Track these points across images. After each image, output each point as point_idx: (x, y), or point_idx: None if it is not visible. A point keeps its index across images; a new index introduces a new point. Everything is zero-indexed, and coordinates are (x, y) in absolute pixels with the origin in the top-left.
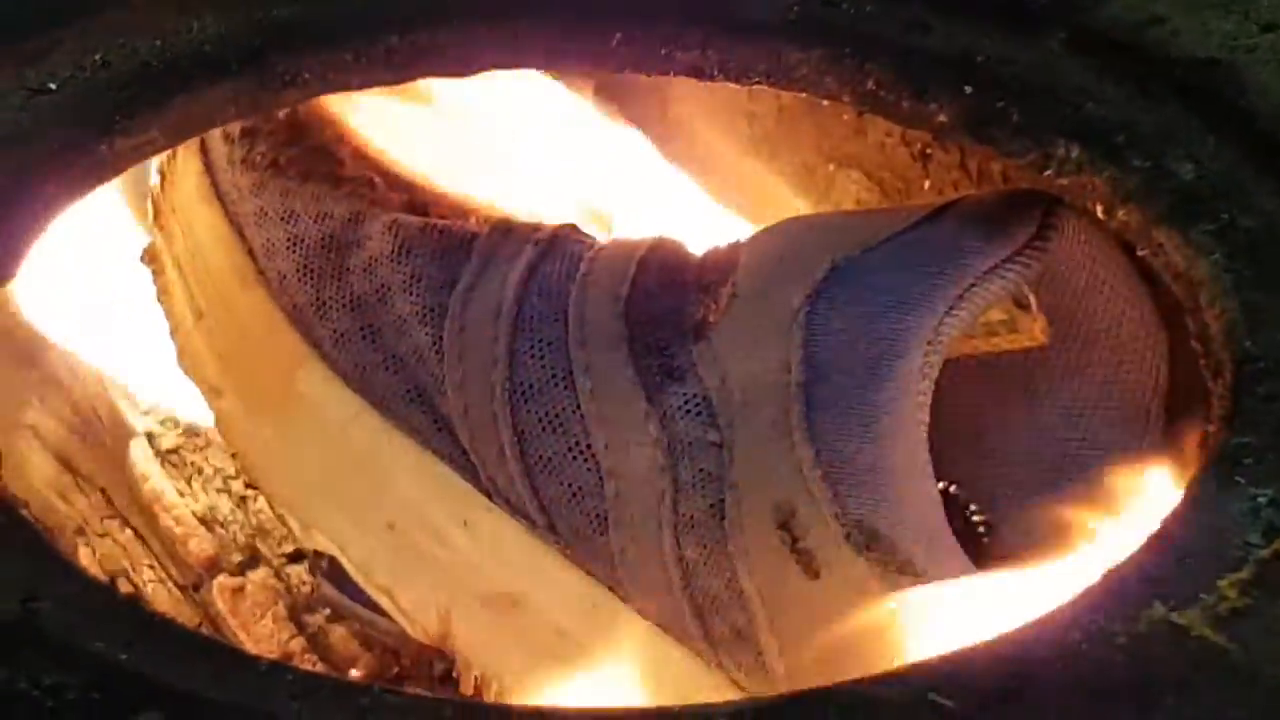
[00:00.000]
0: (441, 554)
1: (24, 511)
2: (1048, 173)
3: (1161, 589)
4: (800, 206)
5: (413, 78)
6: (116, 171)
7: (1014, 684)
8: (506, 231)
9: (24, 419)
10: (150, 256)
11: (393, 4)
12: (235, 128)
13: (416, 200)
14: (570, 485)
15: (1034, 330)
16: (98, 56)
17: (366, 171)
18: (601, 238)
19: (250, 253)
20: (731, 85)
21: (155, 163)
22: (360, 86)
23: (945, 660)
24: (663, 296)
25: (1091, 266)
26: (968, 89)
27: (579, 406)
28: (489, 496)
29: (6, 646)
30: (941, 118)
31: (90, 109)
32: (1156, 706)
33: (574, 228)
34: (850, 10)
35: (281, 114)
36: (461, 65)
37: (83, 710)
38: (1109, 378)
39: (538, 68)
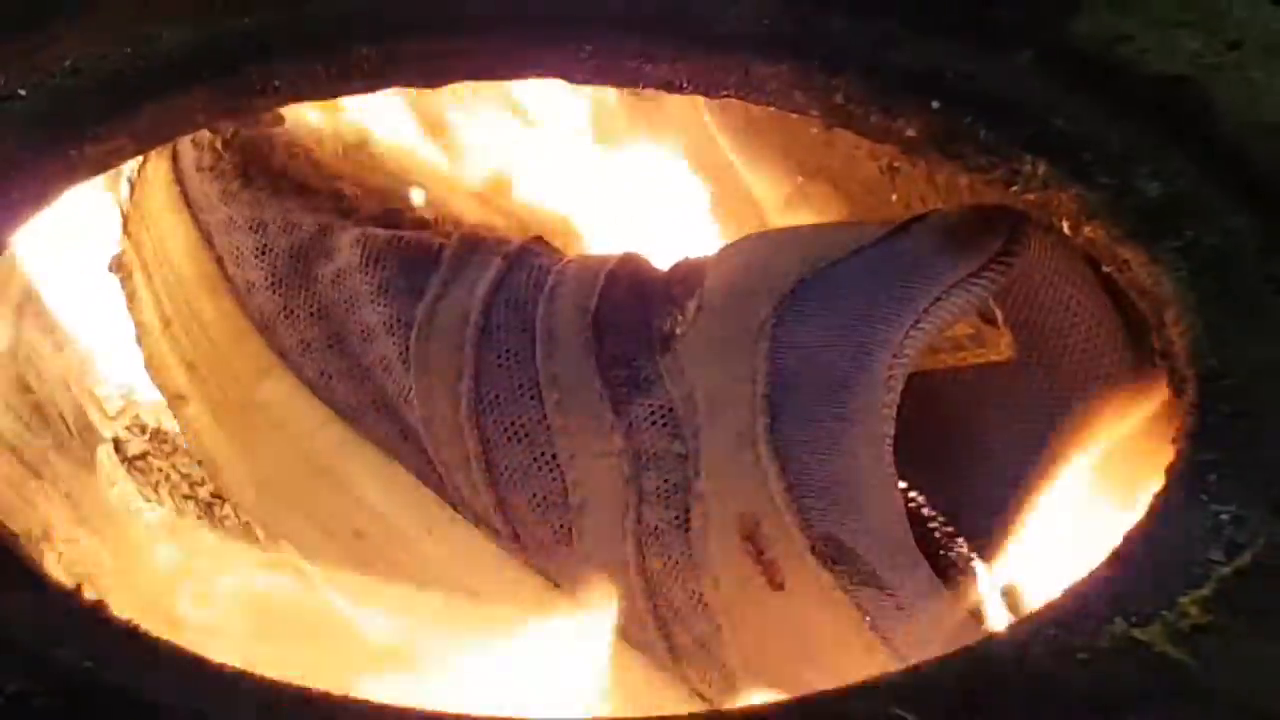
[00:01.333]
0: (407, 562)
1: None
2: (1014, 189)
3: (1123, 604)
4: (768, 219)
5: (383, 88)
6: (85, 177)
7: (976, 698)
8: (475, 244)
9: None
10: (118, 264)
11: (364, 15)
12: (205, 136)
13: (386, 211)
14: (535, 496)
15: (1000, 345)
16: (68, 63)
17: (335, 183)
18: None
19: (218, 261)
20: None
21: (125, 171)
22: (331, 96)
23: (908, 673)
24: (630, 309)
25: (1058, 282)
26: (935, 104)
27: (545, 417)
28: (454, 506)
29: None
30: (909, 133)
31: (60, 115)
32: None
33: (542, 241)
34: (819, 25)
35: (250, 121)
36: (431, 76)
37: (47, 718)
38: (1075, 392)
39: (507, 79)
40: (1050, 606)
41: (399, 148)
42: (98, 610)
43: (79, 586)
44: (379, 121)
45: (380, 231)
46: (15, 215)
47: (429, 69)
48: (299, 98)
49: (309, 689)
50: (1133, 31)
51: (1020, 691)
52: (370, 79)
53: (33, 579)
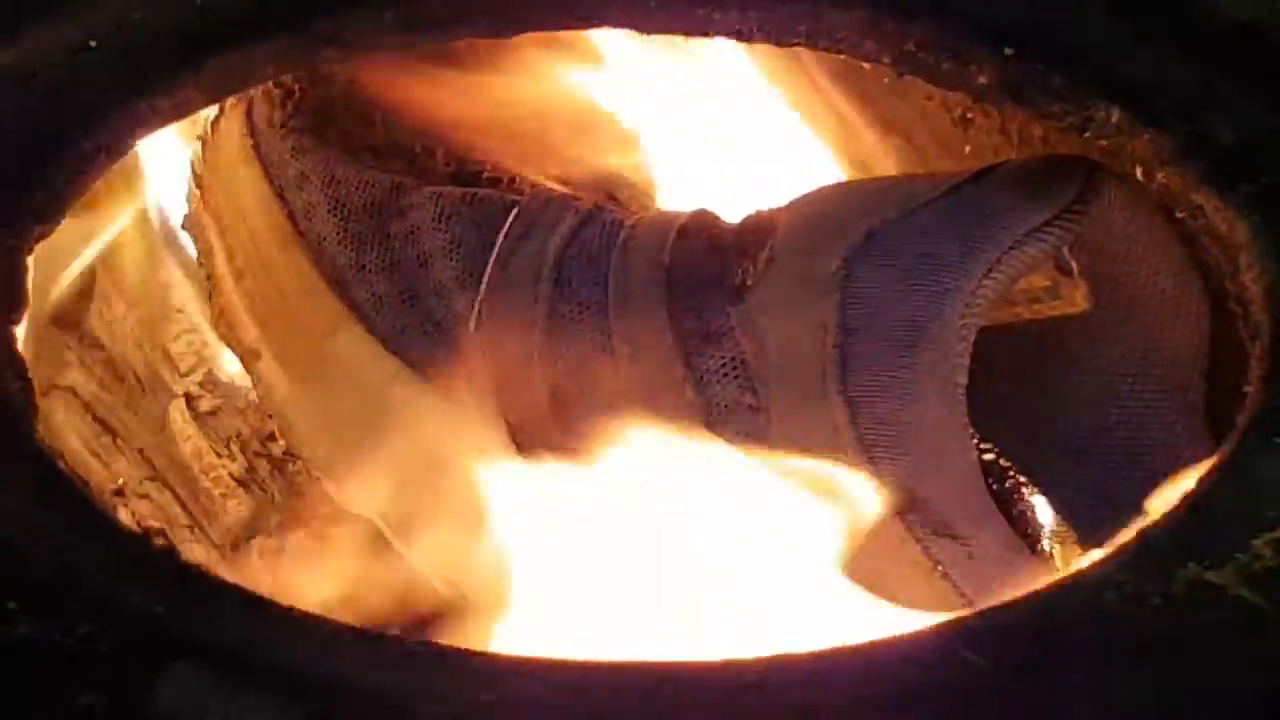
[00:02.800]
0: (481, 514)
1: (61, 464)
2: (1087, 135)
3: (1196, 548)
4: (840, 173)
5: (451, 39)
6: (154, 128)
7: (1045, 642)
8: (547, 201)
9: (63, 380)
10: (191, 220)
11: None
12: (278, 92)
13: (461, 171)
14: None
15: (1075, 297)
16: (137, 14)
17: (409, 141)
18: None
19: (290, 215)
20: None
21: (199, 127)
22: (398, 47)
23: (976, 616)
24: (702, 262)
25: (1132, 232)
26: (1007, 51)
27: (617, 370)
28: (528, 460)
29: (43, 598)
30: (981, 80)
31: (129, 67)
32: (1191, 665)
33: (614, 199)
34: None
35: (324, 79)
36: (501, 27)
37: (117, 660)
38: (1149, 344)
39: (577, 28)
40: (1122, 550)
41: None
42: (167, 556)
43: (148, 533)
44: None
45: (453, 189)
46: (86, 166)
47: (498, 19)
48: (367, 49)
49: (376, 630)
50: None
51: (1091, 636)
52: (437, 30)
53: (104, 526)
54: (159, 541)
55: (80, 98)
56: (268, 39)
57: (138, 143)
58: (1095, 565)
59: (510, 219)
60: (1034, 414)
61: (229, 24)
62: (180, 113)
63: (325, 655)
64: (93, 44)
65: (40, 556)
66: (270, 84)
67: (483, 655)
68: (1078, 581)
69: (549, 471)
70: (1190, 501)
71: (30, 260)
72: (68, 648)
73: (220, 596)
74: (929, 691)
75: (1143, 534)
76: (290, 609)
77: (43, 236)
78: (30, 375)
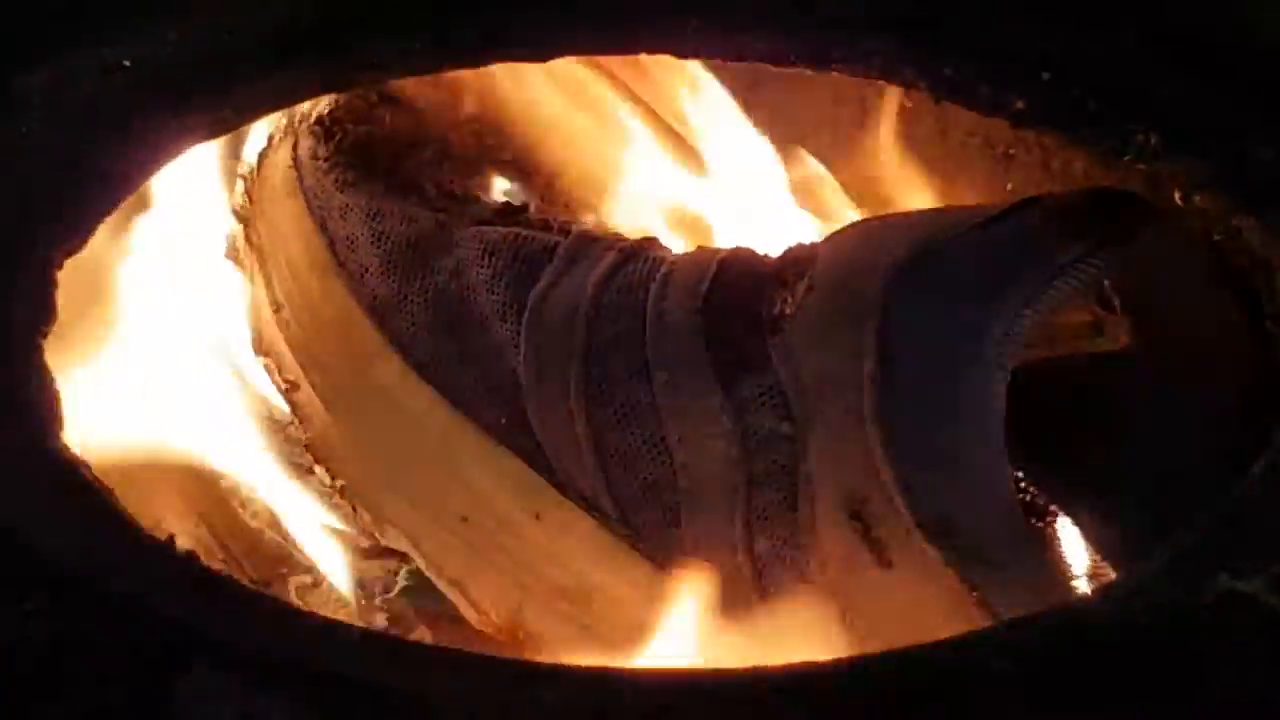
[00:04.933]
0: (514, 547)
1: (85, 472)
2: (1125, 159)
3: (1227, 559)
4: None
5: (484, 63)
6: (185, 148)
7: (1074, 652)
8: (591, 239)
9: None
10: (233, 248)
11: None
12: (324, 126)
13: (503, 210)
14: (644, 478)
15: (1118, 334)
16: (170, 36)
17: (455, 180)
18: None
19: (330, 246)
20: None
21: (247, 155)
22: (433, 71)
23: (1008, 627)
24: (741, 293)
25: (1174, 267)
26: (1045, 76)
27: (654, 400)
28: (561, 490)
29: (65, 599)
30: (1019, 105)
31: (162, 87)
32: (1220, 674)
33: (656, 240)
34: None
35: (369, 115)
36: (535, 51)
37: (136, 661)
38: (1192, 381)
39: (614, 53)
40: (1152, 559)
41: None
42: (188, 562)
43: (171, 539)
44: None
45: (498, 228)
46: (117, 185)
47: (534, 44)
48: (400, 73)
49: (395, 636)
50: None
51: (1121, 647)
52: (472, 55)
53: (126, 532)
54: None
55: (113, 117)
56: (300, 61)
57: (169, 162)
58: (1126, 574)
59: (555, 256)
60: (1073, 449)
61: (261, 46)
62: (213, 132)
63: (342, 657)
64: (126, 64)
65: (63, 560)
66: (316, 118)
67: (498, 659)
68: (1108, 591)
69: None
70: (1222, 512)
71: (59, 275)
72: (89, 648)
73: (238, 601)
74: (959, 699)
75: (1173, 543)
76: (307, 613)
77: (73, 252)
78: (56, 387)
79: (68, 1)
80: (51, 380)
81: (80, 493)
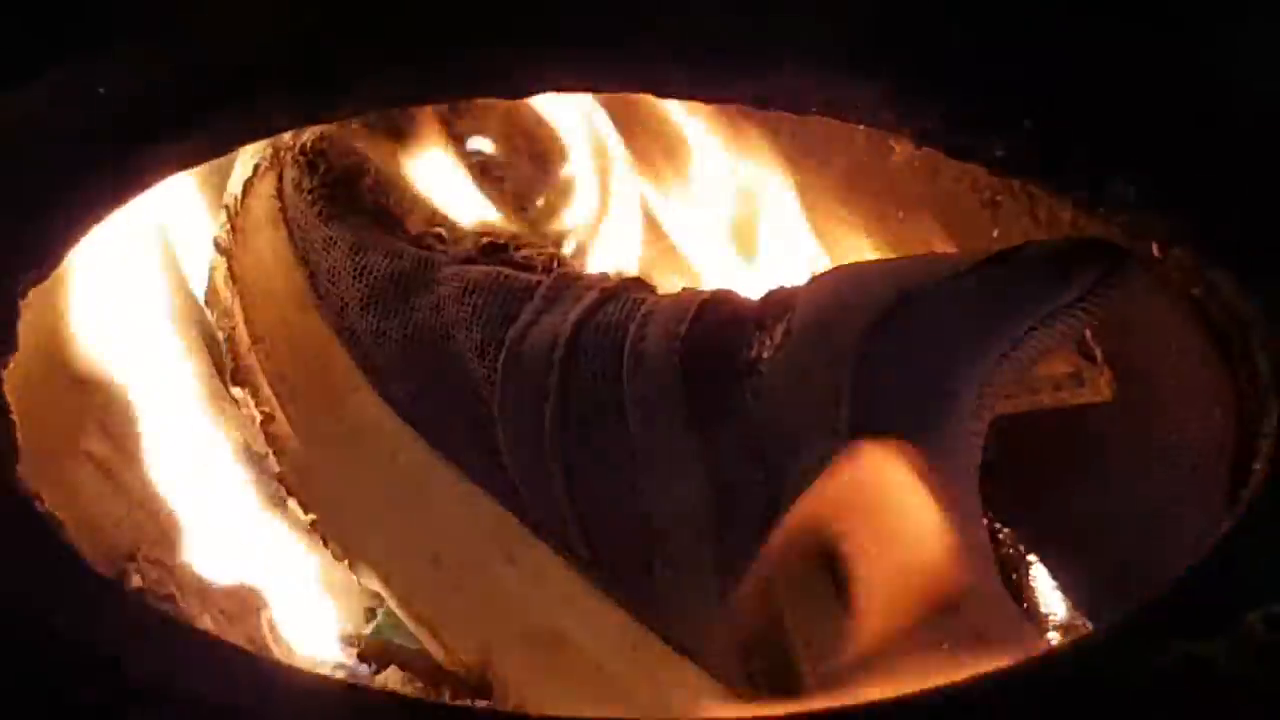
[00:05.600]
0: (485, 588)
1: (37, 504)
2: (1103, 210)
3: (1188, 621)
4: (869, 252)
5: (464, 97)
6: (162, 176)
7: (1038, 710)
8: (574, 278)
9: (82, 445)
10: (211, 283)
11: (448, 22)
12: (309, 157)
13: (486, 248)
14: (617, 521)
15: (1100, 384)
16: (147, 62)
17: (439, 216)
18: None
19: (311, 278)
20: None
21: (232, 184)
22: (412, 104)
23: (969, 684)
24: (720, 335)
25: (1156, 319)
26: (1026, 123)
27: (629, 441)
28: (535, 531)
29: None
30: (999, 152)
31: (136, 114)
32: None
33: (640, 280)
34: (909, 45)
35: (354, 148)
36: (516, 86)
37: (80, 704)
38: (1173, 432)
39: (594, 91)
40: (1115, 621)
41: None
42: (137, 599)
43: (121, 575)
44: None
45: (480, 267)
46: (87, 214)
47: (513, 79)
48: (379, 105)
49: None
50: (1223, 49)
51: (1082, 704)
52: (451, 88)
53: (75, 567)
54: (169, 608)
55: (84, 144)
56: (279, 92)
57: (142, 191)
58: (1087, 636)
59: (536, 295)
60: (1053, 497)
61: (240, 74)
62: (187, 162)
63: (290, 706)
64: (101, 90)
65: (4, 594)
66: (300, 148)
67: (459, 709)
68: (1069, 652)
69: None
70: (1185, 575)
71: (22, 304)
72: (21, 687)
73: (184, 643)
74: None
75: (1137, 605)
76: (256, 656)
77: (37, 281)
78: (13, 416)
79: (40, 30)
80: (8, 410)
81: (31, 526)
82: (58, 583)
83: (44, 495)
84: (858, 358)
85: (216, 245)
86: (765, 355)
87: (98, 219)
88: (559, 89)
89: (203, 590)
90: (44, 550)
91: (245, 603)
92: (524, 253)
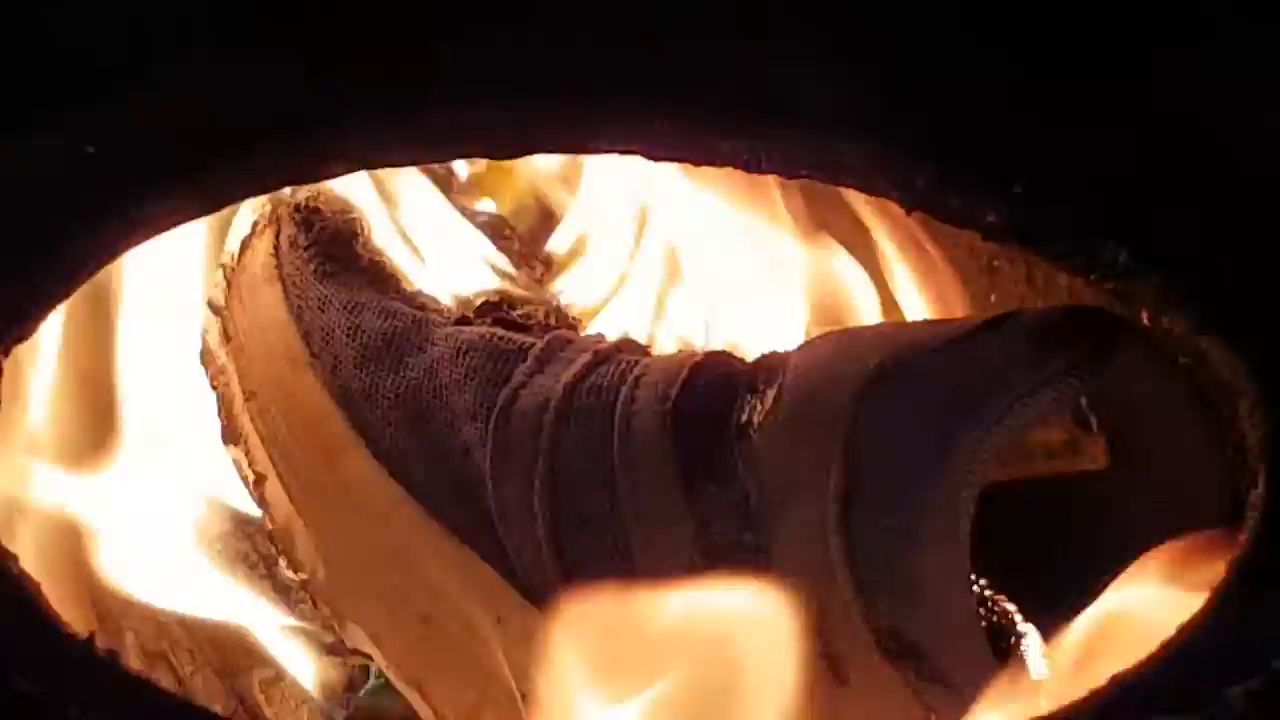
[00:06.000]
0: (474, 650)
1: (11, 564)
2: (1094, 276)
3: (1168, 697)
4: (864, 318)
5: (454, 157)
6: (150, 235)
7: None
8: (567, 340)
9: None
10: (205, 343)
11: (433, 81)
12: (305, 214)
13: (483, 308)
14: (604, 582)
15: (1095, 454)
16: (136, 120)
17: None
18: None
19: (305, 336)
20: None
21: (230, 242)
22: (402, 162)
23: None
24: (711, 398)
25: (1152, 387)
26: (1016, 189)
27: (617, 503)
28: (524, 594)
29: None
30: (990, 218)
31: (125, 172)
32: None
33: (635, 342)
34: (900, 108)
35: (347, 207)
36: (504, 146)
37: None
38: (1170, 502)
39: (580, 151)
40: (1094, 694)
41: None
42: (108, 661)
43: (92, 635)
44: None
45: (474, 328)
46: (73, 270)
47: (501, 138)
48: (370, 164)
49: None
50: (1216, 114)
51: None
52: (441, 148)
53: (47, 628)
54: (163, 668)
55: (72, 202)
56: (270, 149)
57: (129, 250)
58: (1066, 711)
59: (529, 356)
60: (1046, 567)
61: (230, 133)
62: (175, 221)
63: None
64: (90, 149)
65: None
66: (296, 205)
67: None
68: None
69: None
70: (1166, 649)
71: (4, 362)
72: None
73: (155, 706)
74: None
75: (1115, 680)
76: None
77: (20, 339)
78: None
79: (29, 79)
80: None
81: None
82: (22, 644)
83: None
84: (847, 424)
85: (210, 306)
86: (756, 419)
87: (85, 278)
88: (542, 150)
89: (195, 648)
90: (11, 611)
91: (237, 662)
92: (521, 311)
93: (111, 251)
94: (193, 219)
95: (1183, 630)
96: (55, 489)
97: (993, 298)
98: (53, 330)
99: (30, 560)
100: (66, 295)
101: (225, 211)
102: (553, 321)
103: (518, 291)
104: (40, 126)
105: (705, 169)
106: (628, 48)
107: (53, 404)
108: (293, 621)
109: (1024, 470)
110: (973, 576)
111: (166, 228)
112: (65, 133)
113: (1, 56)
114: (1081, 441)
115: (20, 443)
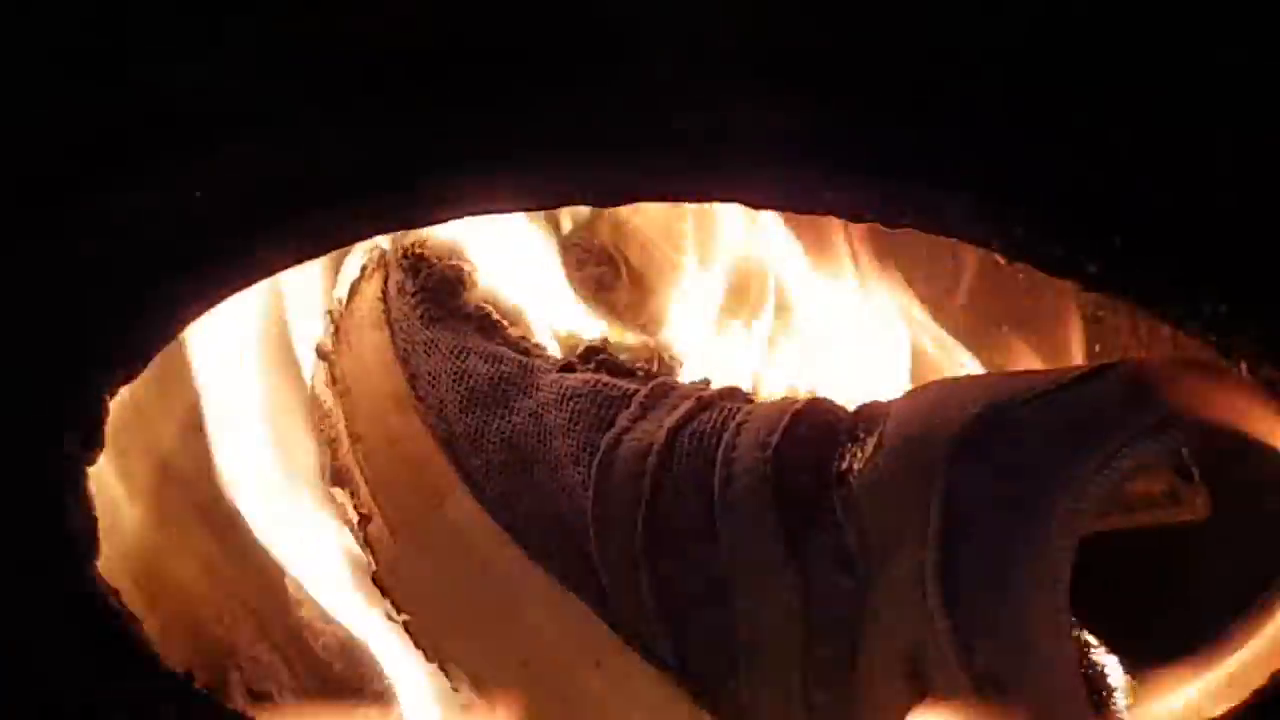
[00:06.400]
0: (573, 694)
1: (114, 601)
2: (1194, 327)
3: None
4: (971, 365)
5: (560, 205)
6: (253, 281)
7: None
8: (670, 387)
9: (188, 542)
10: (314, 385)
11: (540, 129)
12: (413, 259)
13: (587, 352)
14: (705, 627)
15: (1196, 504)
16: (242, 167)
17: (530, 335)
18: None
19: (412, 380)
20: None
21: (339, 286)
22: (509, 210)
23: None
24: (812, 445)
25: (1254, 438)
26: (1117, 240)
27: (718, 548)
28: (624, 638)
29: None
30: (1090, 268)
31: (232, 218)
32: None
33: (738, 389)
34: (1002, 157)
35: (454, 254)
36: (610, 194)
37: None
38: (1271, 556)
39: (686, 200)
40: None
41: None
42: (207, 699)
43: (189, 674)
44: None
45: (580, 374)
46: (181, 314)
47: (606, 186)
48: (474, 212)
49: None
50: None
51: None
52: (546, 194)
53: (145, 661)
54: (269, 707)
55: (179, 245)
56: (372, 196)
57: (232, 293)
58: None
59: (633, 402)
60: (1146, 620)
61: (331, 180)
62: (280, 265)
63: None
64: (198, 194)
65: (63, 690)
66: (403, 251)
67: None
68: None
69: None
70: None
71: (111, 404)
72: None
73: None
74: None
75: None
76: None
77: (127, 380)
78: (96, 514)
79: (148, 126)
80: (91, 509)
81: (105, 622)
82: (119, 681)
83: (137, 592)
84: (947, 472)
85: (318, 351)
86: (856, 467)
87: (189, 321)
88: (649, 198)
89: (298, 686)
90: (111, 647)
91: (342, 701)
92: (624, 356)
93: (214, 295)
94: (301, 261)
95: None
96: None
97: (1097, 348)
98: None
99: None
100: (173, 337)
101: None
102: (656, 366)
103: (621, 337)
104: (145, 173)
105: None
106: (734, 99)
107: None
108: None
109: (1125, 521)
110: (1072, 625)
111: (273, 271)
112: (176, 183)
113: (121, 112)
114: (1183, 492)
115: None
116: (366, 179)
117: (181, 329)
